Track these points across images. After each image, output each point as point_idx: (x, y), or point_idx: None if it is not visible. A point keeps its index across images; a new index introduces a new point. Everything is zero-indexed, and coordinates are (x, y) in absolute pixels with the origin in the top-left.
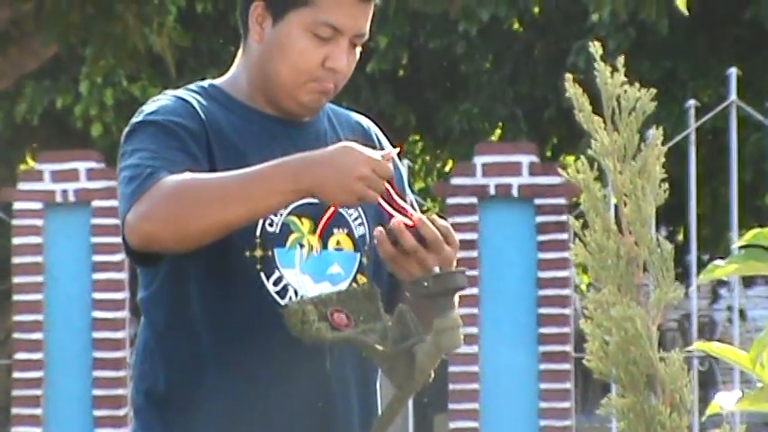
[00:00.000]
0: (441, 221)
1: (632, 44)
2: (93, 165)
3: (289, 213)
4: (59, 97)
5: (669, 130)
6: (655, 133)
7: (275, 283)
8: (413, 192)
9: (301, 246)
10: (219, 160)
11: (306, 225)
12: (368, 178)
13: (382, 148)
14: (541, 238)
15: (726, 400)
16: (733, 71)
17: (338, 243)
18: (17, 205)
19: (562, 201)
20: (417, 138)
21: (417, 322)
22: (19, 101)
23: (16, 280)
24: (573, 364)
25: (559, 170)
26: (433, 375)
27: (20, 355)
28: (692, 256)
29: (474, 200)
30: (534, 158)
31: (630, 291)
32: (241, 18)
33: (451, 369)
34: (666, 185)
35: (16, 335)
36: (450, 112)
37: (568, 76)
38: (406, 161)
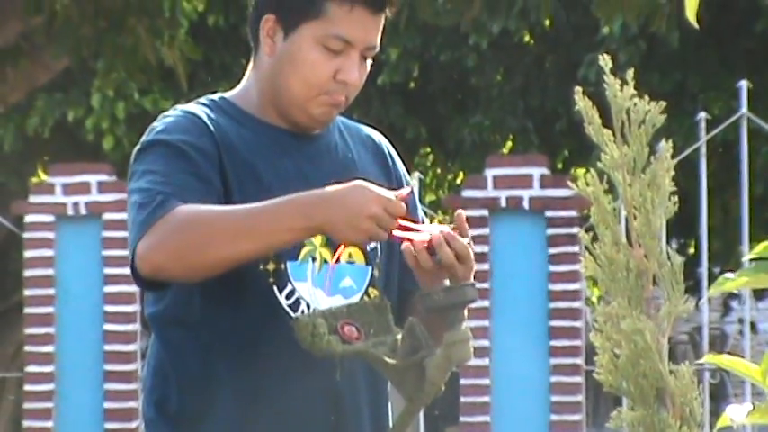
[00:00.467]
0: (462, 241)
1: (643, 57)
2: (104, 178)
3: None
4: (71, 110)
5: (680, 142)
6: (664, 146)
7: (288, 297)
8: (423, 205)
9: (314, 259)
10: (231, 176)
11: (318, 238)
12: (378, 217)
13: (394, 162)
14: (552, 250)
15: (737, 413)
16: (744, 84)
17: (350, 256)
18: (29, 218)
19: (573, 213)
20: (428, 150)
21: (428, 335)
22: (30, 114)
23: (28, 293)
24: (584, 376)
25: (569, 183)
26: (443, 388)
27: (31, 368)
28: (703, 269)
29: (485, 212)
30: (545, 171)
31: (640, 304)
32: (251, 31)
33: (462, 382)
34: (676, 198)
35: (28, 348)
36: (461, 125)
37: (578, 89)
38: (416, 174)
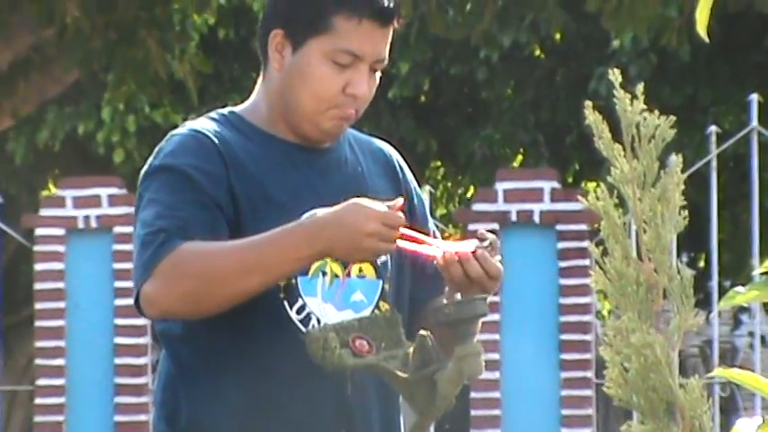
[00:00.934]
0: (493, 262)
1: (653, 70)
2: (114, 191)
3: None
4: (81, 123)
5: (690, 156)
6: (674, 160)
7: (298, 312)
8: (433, 218)
9: (324, 273)
10: (240, 193)
11: None
12: (378, 233)
13: (404, 175)
14: (563, 264)
15: (747, 427)
16: (754, 97)
17: (360, 270)
18: (39, 231)
19: (584, 227)
20: (438, 164)
21: (439, 349)
22: (41, 127)
23: (38, 306)
24: (594, 390)
25: (580, 197)
26: (454, 402)
27: (42, 381)
28: (714, 283)
29: (495, 226)
30: (556, 184)
31: (650, 318)
32: (260, 46)
33: (473, 395)
34: (686, 212)
35: (38, 361)
36: (472, 138)
37: (588, 103)
38: (427, 187)
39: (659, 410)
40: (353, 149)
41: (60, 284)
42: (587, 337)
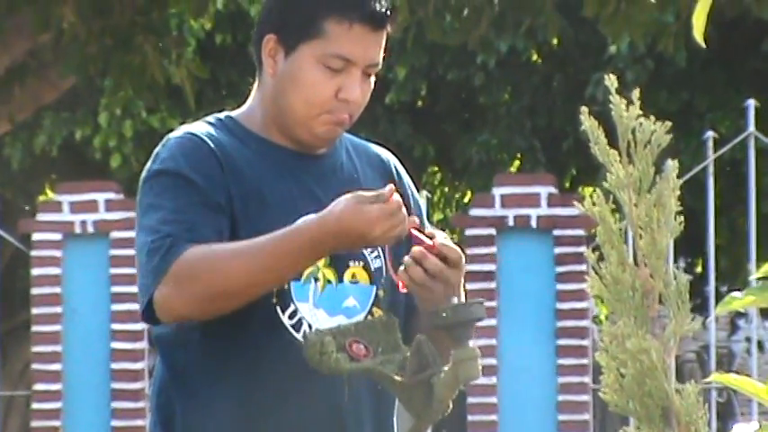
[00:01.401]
0: (452, 247)
1: (650, 76)
2: (111, 196)
3: None
4: (78, 128)
5: (687, 161)
6: (670, 165)
7: (290, 317)
8: (431, 223)
9: (316, 279)
10: (236, 198)
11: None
12: (384, 231)
13: (401, 180)
14: (560, 269)
15: None
16: (751, 103)
17: (353, 276)
18: (36, 236)
19: (581, 232)
20: (436, 169)
21: (436, 353)
22: (38, 132)
23: (35, 311)
24: (591, 395)
25: (576, 202)
26: (451, 406)
27: (39, 386)
28: (711, 288)
29: (492, 231)
30: (553, 190)
31: (646, 323)
32: (255, 51)
33: (470, 400)
34: (682, 218)
35: (35, 366)
36: (469, 144)
37: (584, 108)
38: (424, 192)
39: (655, 416)
40: (350, 155)
41: (57, 289)
42: (584, 342)
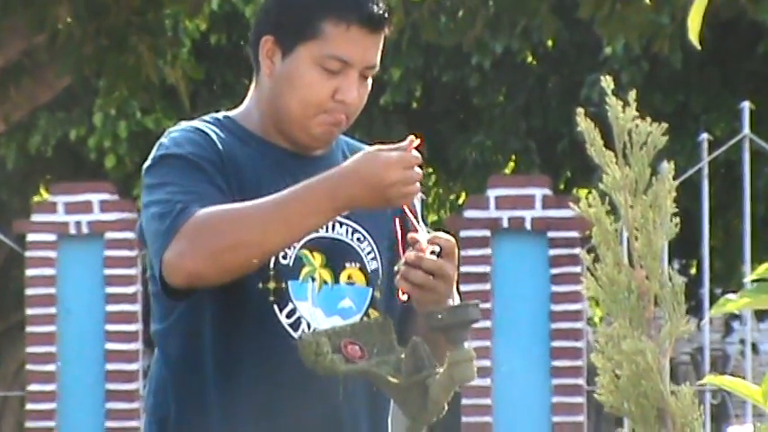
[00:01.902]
0: (444, 235)
1: (645, 77)
2: (106, 197)
3: (301, 247)
4: (73, 129)
5: (682, 163)
6: (666, 167)
7: (288, 316)
8: (426, 224)
9: (313, 279)
10: (236, 193)
11: (317, 259)
12: (400, 180)
13: None
14: (554, 270)
15: None
16: (746, 105)
17: (350, 277)
18: (30, 237)
19: (575, 234)
20: (430, 170)
21: (431, 355)
22: (32, 132)
23: (29, 311)
24: (586, 397)
25: (571, 204)
26: (446, 408)
27: (33, 387)
28: (705, 290)
29: (487, 233)
30: (547, 191)
31: (641, 324)
32: (252, 52)
33: (464, 402)
34: (678, 219)
35: (29, 366)
36: (463, 145)
37: (580, 110)
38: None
39: (650, 417)
40: (346, 156)
41: (52, 290)
42: (579, 344)
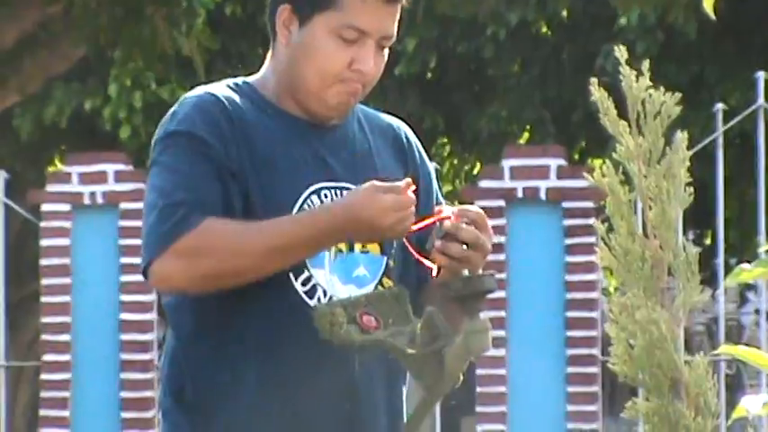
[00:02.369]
0: (473, 207)
1: (660, 47)
2: (121, 167)
3: None
4: (88, 99)
5: (697, 133)
6: (680, 137)
7: (304, 283)
8: (441, 194)
9: None
10: (248, 163)
11: None
12: (395, 223)
13: (412, 149)
14: (569, 241)
15: (752, 404)
16: (761, 75)
17: (364, 246)
18: (45, 207)
19: (590, 204)
20: (445, 141)
21: (446, 325)
22: (47, 103)
23: (44, 282)
24: (600, 367)
25: (585, 174)
26: (461, 378)
27: (48, 357)
28: (720, 260)
29: (502, 203)
30: (562, 161)
31: (655, 294)
32: (269, 22)
33: (479, 372)
34: (691, 189)
35: (44, 336)
36: (478, 115)
37: (593, 80)
38: (433, 164)
39: (664, 387)
40: (362, 125)
41: (66, 260)
42: (593, 315)
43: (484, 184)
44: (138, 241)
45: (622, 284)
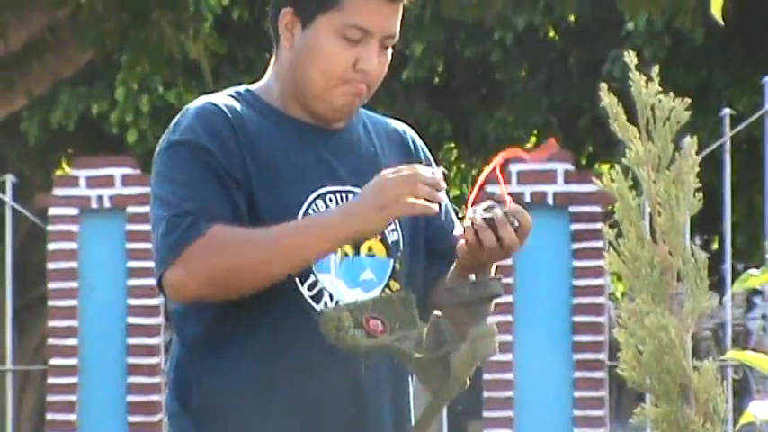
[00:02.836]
0: (524, 212)
1: (668, 52)
2: (128, 171)
3: None
4: (95, 103)
5: (704, 138)
6: (689, 142)
7: (310, 288)
8: (449, 200)
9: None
10: (252, 170)
11: None
12: (402, 192)
13: (419, 153)
14: (576, 246)
15: (760, 409)
16: None
17: (370, 249)
18: (52, 211)
19: (597, 209)
20: (452, 145)
21: (452, 330)
22: (54, 107)
23: (51, 285)
24: (607, 372)
25: (594, 179)
26: (468, 383)
27: (54, 361)
28: (727, 265)
29: None
30: (569, 166)
31: (664, 300)
32: (272, 26)
33: (486, 376)
34: (701, 195)
35: (51, 340)
36: (485, 120)
37: (603, 85)
38: (440, 168)
39: (673, 393)
40: (368, 130)
41: (73, 264)
42: (600, 319)
43: (491, 188)
44: (145, 245)
45: (631, 290)
